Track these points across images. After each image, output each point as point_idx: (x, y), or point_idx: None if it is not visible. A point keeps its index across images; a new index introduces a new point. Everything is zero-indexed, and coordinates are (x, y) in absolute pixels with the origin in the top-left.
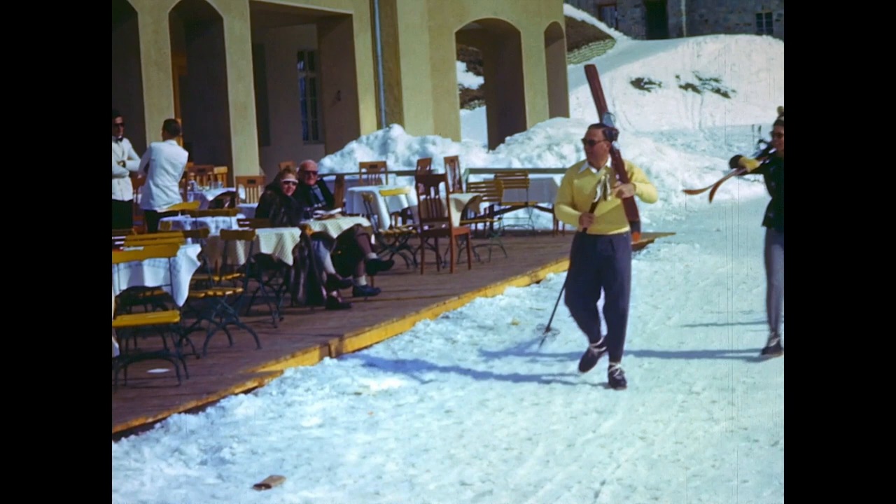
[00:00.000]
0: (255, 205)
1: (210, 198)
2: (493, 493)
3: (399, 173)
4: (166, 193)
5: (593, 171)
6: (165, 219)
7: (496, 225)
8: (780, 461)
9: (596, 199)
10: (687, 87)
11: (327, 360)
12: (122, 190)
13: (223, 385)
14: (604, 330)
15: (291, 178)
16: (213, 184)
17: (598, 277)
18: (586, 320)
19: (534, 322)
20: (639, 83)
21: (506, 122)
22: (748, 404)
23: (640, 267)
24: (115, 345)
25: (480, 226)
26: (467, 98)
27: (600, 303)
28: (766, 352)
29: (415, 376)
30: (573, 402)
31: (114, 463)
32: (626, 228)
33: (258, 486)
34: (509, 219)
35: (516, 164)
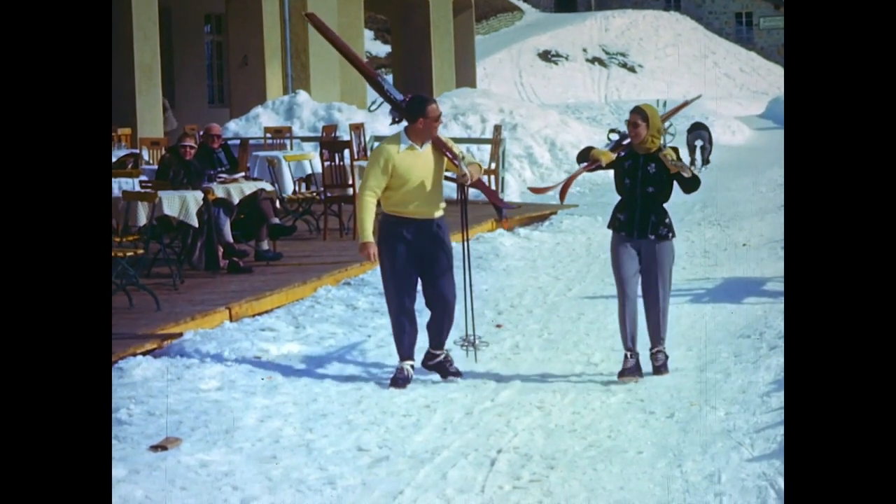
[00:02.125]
0: (157, 166)
1: (113, 159)
2: (390, 459)
3: (304, 139)
4: None
5: (417, 148)
6: None
7: None
8: (675, 433)
9: (468, 181)
10: (594, 60)
11: (227, 323)
12: None
13: (121, 346)
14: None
15: (189, 141)
16: (116, 144)
17: (419, 268)
18: (407, 327)
19: None
20: (546, 56)
21: (412, 90)
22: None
23: (542, 238)
24: None
25: None
26: (375, 66)
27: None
28: (624, 374)
29: (315, 342)
30: (472, 371)
31: None
32: (442, 210)
33: (154, 448)
34: None
35: None
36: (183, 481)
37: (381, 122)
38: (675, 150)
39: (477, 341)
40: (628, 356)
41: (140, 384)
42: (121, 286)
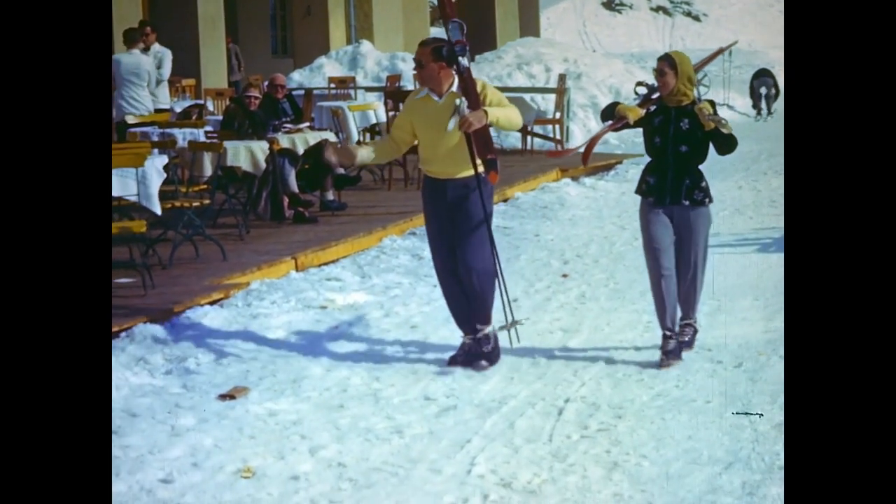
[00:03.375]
0: (222, 117)
1: (178, 109)
2: (458, 409)
3: (368, 89)
4: (132, 104)
5: (435, 97)
6: (133, 129)
7: None
8: (743, 383)
9: (462, 128)
10: (658, 9)
11: (293, 273)
12: (161, 96)
13: (189, 296)
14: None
15: (254, 92)
16: (181, 96)
17: (451, 233)
18: (454, 294)
19: (501, 240)
20: (610, 4)
21: (476, 40)
22: (713, 326)
23: (607, 187)
24: None
25: None
26: (437, 16)
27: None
28: (665, 359)
29: (381, 291)
30: (540, 321)
31: None
32: (481, 169)
33: (223, 397)
34: None
35: None
36: (251, 430)
37: None
38: (712, 102)
39: (513, 324)
40: (668, 336)
41: (207, 333)
42: (187, 236)
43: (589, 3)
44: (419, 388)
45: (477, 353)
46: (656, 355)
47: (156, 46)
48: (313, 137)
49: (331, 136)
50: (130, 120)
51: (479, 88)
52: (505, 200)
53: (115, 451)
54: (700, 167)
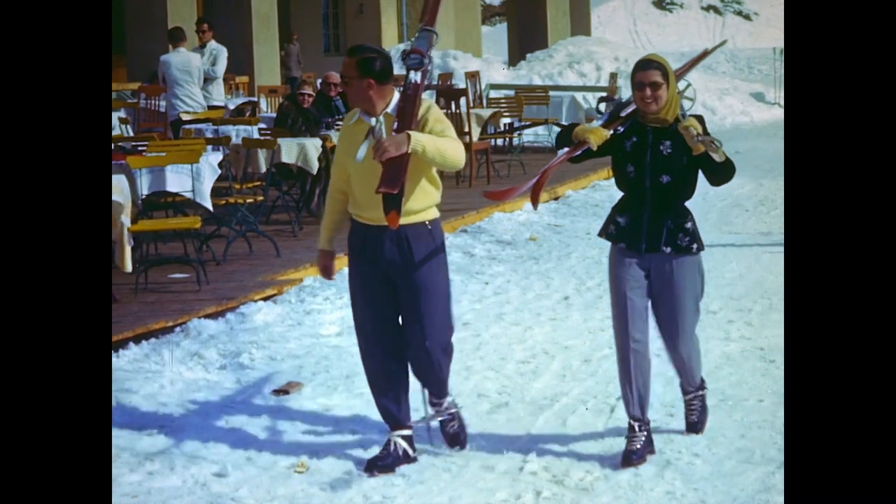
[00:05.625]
0: (275, 114)
1: (231, 107)
2: (510, 406)
3: None
4: (185, 102)
5: (366, 118)
6: (187, 126)
7: (516, 141)
8: None
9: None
10: (709, 8)
11: (346, 269)
12: (215, 93)
13: (243, 291)
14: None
15: (308, 89)
16: (234, 93)
17: (392, 297)
18: (381, 380)
19: (552, 238)
20: (660, 3)
21: (527, 38)
22: (764, 325)
23: None
24: (129, 245)
25: (500, 141)
26: (489, 14)
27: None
28: (628, 458)
29: None
30: (590, 318)
31: (134, 365)
32: (432, 212)
33: (276, 392)
34: (529, 135)
35: (537, 81)
36: (305, 425)
37: (496, 70)
38: (700, 119)
39: (435, 415)
40: (635, 429)
41: (261, 329)
42: (241, 233)
43: (639, 2)
44: (471, 384)
45: (407, 459)
46: (708, 354)
47: (211, 44)
48: None
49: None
50: (185, 117)
51: (421, 111)
52: (556, 199)
53: (170, 446)
54: (687, 203)
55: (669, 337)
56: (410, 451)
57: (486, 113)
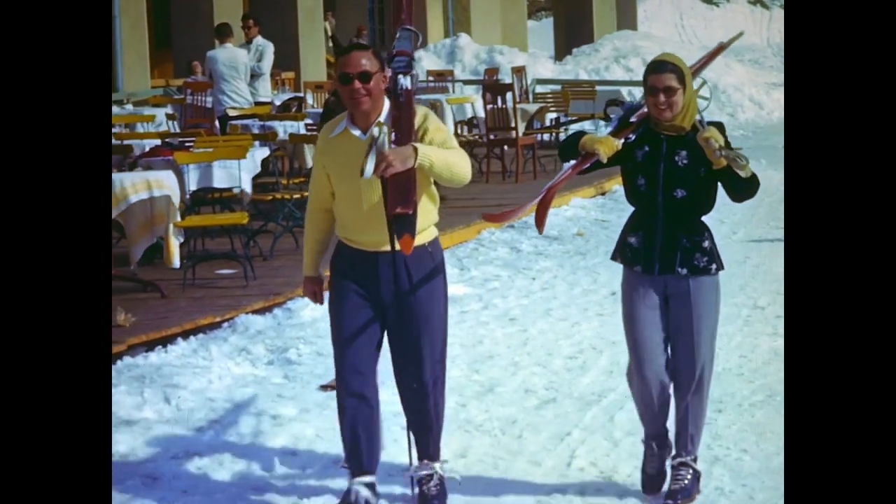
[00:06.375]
0: (322, 110)
1: (278, 102)
2: (557, 401)
3: (466, 82)
4: (232, 98)
5: (356, 133)
6: (234, 122)
7: (562, 136)
8: None
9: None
10: (756, 2)
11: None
12: (262, 89)
13: (290, 287)
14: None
15: None
16: (280, 88)
17: (382, 328)
18: (357, 421)
19: (599, 233)
20: None
21: (573, 33)
22: None
23: None
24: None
25: (546, 136)
26: (535, 9)
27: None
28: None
29: (479, 283)
30: None
31: (182, 361)
32: (431, 232)
33: (324, 388)
34: (575, 129)
35: (583, 76)
36: None
37: (542, 65)
38: (720, 127)
39: (422, 476)
40: (653, 448)
41: (308, 324)
42: (288, 228)
43: None
44: (518, 380)
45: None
46: (756, 350)
47: (258, 39)
48: None
49: None
50: (231, 113)
51: (418, 120)
52: (603, 193)
53: (218, 441)
54: (704, 218)
55: (687, 372)
56: (373, 502)
57: (532, 108)
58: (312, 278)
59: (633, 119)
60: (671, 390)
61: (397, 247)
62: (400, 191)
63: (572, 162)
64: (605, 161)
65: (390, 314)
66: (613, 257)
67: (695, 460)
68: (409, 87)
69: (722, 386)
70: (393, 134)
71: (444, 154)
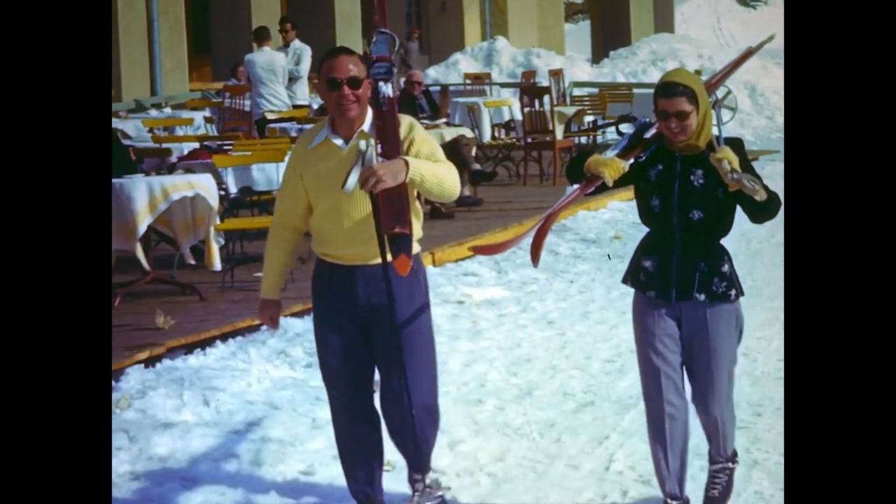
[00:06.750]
0: None
1: (315, 106)
2: (595, 405)
3: (503, 85)
4: (270, 101)
5: (338, 142)
6: (272, 125)
7: (600, 139)
8: None
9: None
10: None
11: (430, 268)
12: (300, 92)
13: None
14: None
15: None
16: (318, 92)
17: (368, 347)
18: (354, 444)
19: (637, 236)
20: (745, 0)
21: (610, 36)
22: None
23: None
24: (219, 244)
25: (584, 139)
26: (572, 12)
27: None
28: None
29: (517, 286)
30: None
31: (221, 363)
32: (414, 248)
33: None
34: (613, 133)
35: (620, 79)
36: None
37: (580, 68)
38: (738, 144)
39: (422, 498)
40: None
41: None
42: None
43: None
44: (556, 383)
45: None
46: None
47: (295, 43)
48: (449, 133)
49: (467, 132)
50: (269, 116)
51: (403, 130)
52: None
53: (258, 444)
54: (723, 241)
55: (701, 398)
56: None
57: (569, 111)
58: (271, 302)
59: (647, 135)
60: (689, 424)
61: (389, 258)
62: (394, 209)
63: (576, 187)
64: (610, 185)
65: (374, 333)
66: (625, 280)
67: (730, 461)
68: (391, 94)
69: (761, 390)
70: (379, 146)
71: (433, 168)
